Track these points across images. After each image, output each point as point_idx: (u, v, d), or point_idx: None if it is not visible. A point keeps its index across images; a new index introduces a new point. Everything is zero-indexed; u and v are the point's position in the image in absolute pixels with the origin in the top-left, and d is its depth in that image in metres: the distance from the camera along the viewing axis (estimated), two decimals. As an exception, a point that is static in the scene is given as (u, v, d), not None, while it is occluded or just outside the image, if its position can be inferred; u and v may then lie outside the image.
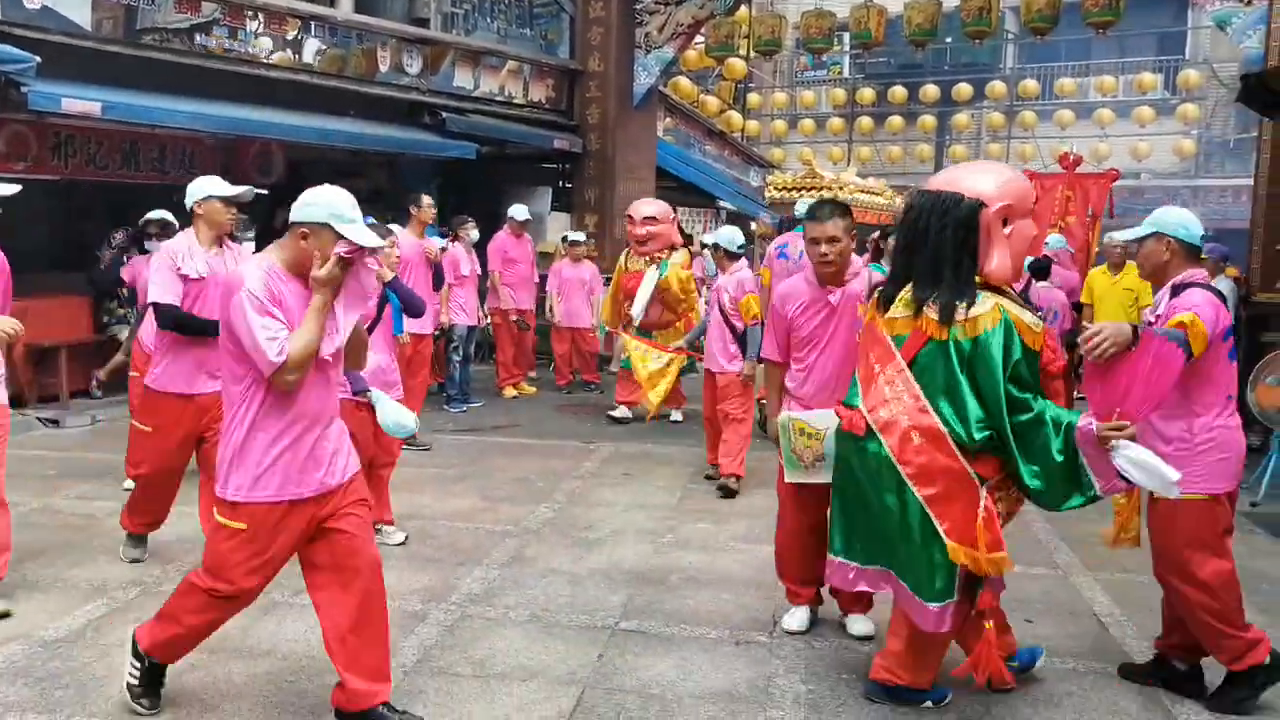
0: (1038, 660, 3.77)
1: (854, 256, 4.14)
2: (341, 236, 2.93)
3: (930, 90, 24.19)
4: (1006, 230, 3.29)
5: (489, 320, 10.06)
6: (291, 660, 3.80)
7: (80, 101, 7.87)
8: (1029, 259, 7.15)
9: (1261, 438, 6.92)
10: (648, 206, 8.73)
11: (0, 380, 4.15)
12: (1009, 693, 3.58)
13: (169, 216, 6.59)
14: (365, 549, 3.17)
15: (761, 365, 4.85)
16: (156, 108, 8.60)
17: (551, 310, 10.32)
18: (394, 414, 4.29)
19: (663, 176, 14.36)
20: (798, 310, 4.18)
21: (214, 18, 9.40)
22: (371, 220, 9.59)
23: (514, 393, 9.99)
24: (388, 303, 4.99)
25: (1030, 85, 23.99)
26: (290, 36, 10.13)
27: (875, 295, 3.54)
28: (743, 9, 15.31)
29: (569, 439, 8.02)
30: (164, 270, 4.42)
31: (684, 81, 19.26)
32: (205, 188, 4.50)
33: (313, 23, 10.36)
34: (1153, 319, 3.53)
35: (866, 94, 25.24)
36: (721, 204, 17.57)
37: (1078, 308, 9.24)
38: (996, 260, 3.26)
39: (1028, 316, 3.28)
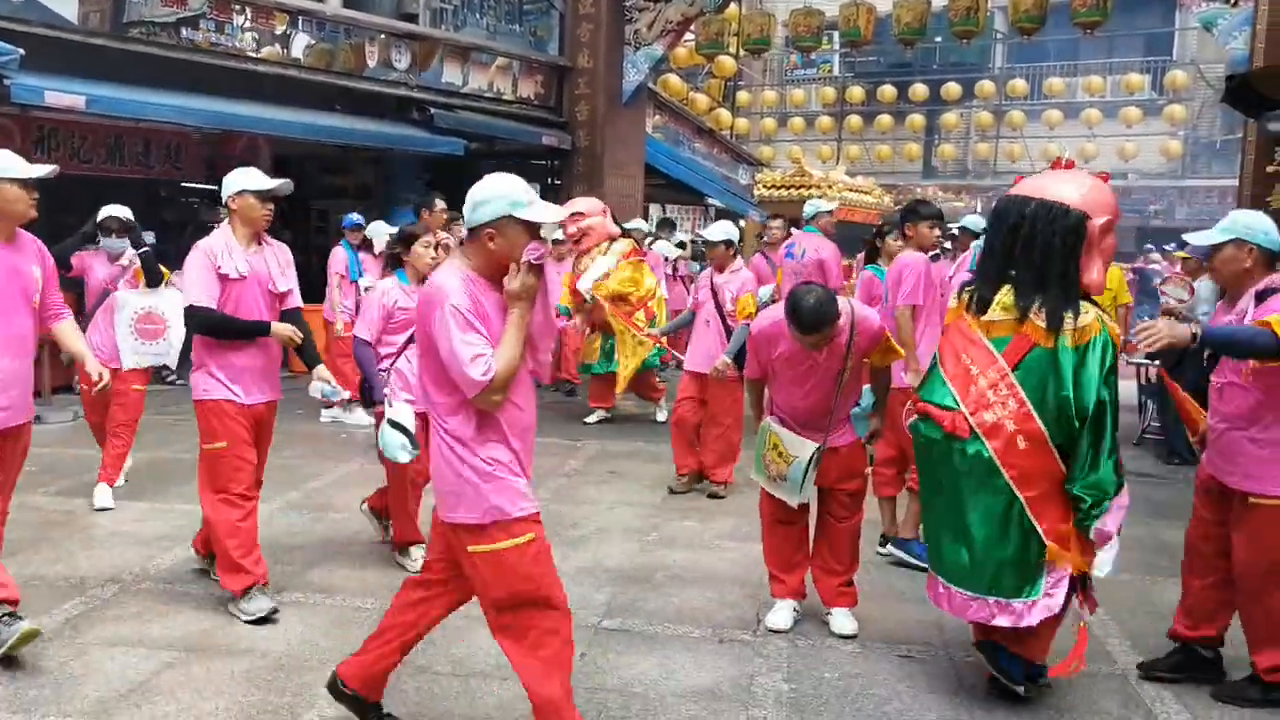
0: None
1: (842, 304, 3.91)
2: (525, 222, 2.77)
3: (919, 89, 24.29)
4: (1105, 243, 3.38)
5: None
6: (271, 658, 3.78)
7: (64, 95, 7.82)
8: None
9: None
10: (573, 204, 8.39)
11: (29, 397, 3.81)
12: (989, 693, 3.58)
13: (128, 214, 6.14)
14: None
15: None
16: (141, 101, 8.56)
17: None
18: (393, 442, 4.20)
19: (651, 174, 14.35)
20: (778, 357, 4.06)
21: (201, 12, 9.36)
22: (359, 217, 9.41)
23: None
24: None
25: (1019, 85, 24.12)
26: (278, 31, 10.09)
27: (966, 296, 3.54)
28: (732, 7, 15.33)
29: (554, 437, 8.00)
30: (201, 270, 4.04)
31: (673, 79, 19.27)
32: (240, 181, 4.13)
33: (301, 17, 10.32)
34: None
35: (856, 92, 25.32)
36: (710, 201, 17.56)
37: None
38: (1096, 271, 3.36)
39: (1117, 329, 3.39)
